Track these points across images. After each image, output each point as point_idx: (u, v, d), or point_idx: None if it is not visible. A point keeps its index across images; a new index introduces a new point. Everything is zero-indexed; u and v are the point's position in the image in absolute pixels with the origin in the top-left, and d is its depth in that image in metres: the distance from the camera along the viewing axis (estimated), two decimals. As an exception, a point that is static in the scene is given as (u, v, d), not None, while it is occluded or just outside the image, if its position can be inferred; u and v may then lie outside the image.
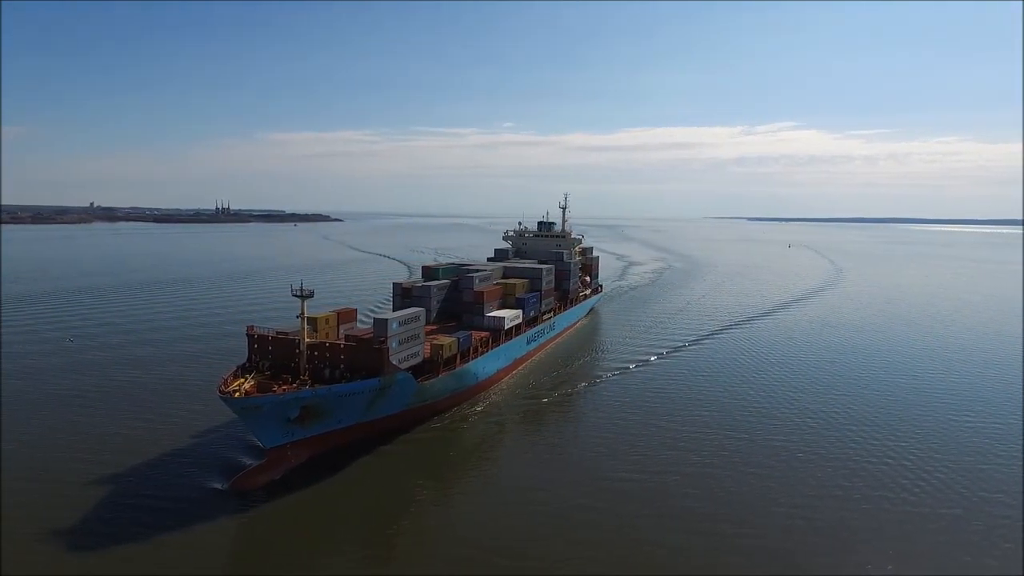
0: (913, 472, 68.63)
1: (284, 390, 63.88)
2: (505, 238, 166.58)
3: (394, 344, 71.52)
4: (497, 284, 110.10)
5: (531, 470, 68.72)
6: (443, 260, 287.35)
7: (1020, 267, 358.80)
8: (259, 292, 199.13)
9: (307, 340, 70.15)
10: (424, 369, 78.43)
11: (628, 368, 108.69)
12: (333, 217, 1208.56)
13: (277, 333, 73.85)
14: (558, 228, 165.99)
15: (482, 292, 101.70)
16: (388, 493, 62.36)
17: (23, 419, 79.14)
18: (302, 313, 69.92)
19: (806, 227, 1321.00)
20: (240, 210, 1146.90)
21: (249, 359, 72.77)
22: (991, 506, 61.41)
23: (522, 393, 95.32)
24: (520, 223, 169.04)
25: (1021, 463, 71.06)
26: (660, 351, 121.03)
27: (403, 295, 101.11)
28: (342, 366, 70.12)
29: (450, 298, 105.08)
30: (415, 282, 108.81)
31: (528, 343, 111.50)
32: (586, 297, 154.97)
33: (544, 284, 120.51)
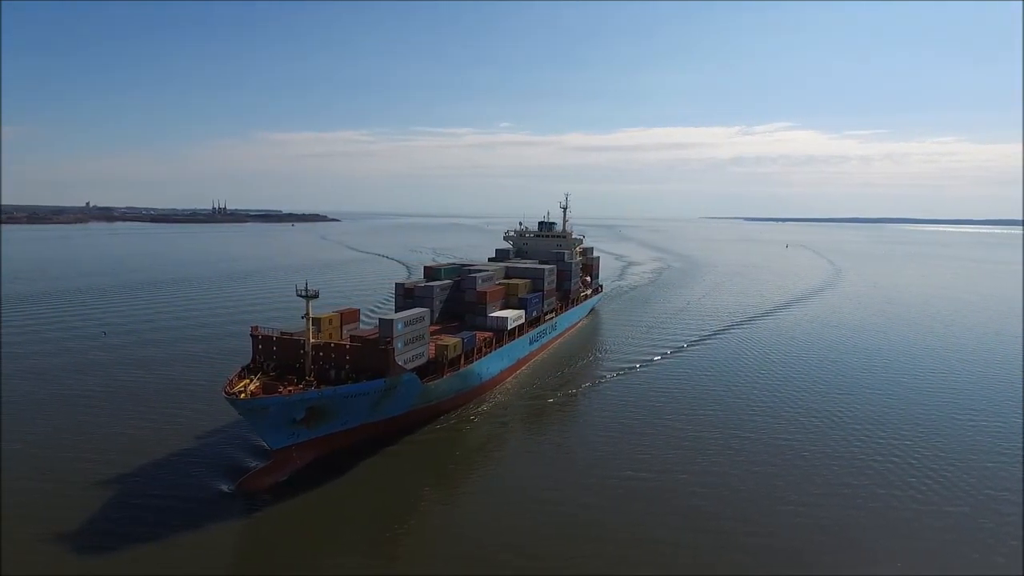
0: (919, 470, 68.93)
1: (290, 391, 63.69)
2: (506, 238, 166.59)
3: (399, 345, 71.42)
4: (500, 284, 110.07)
5: (536, 470, 68.72)
6: (442, 260, 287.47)
7: (1019, 267, 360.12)
8: (260, 292, 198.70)
9: (312, 341, 70.04)
10: (429, 370, 78.35)
11: (631, 368, 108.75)
12: (330, 217, 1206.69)
13: (281, 334, 73.66)
14: (559, 228, 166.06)
15: (485, 292, 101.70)
16: (394, 494, 62.30)
17: (28, 419, 78.99)
18: (307, 313, 69.75)
19: (803, 227, 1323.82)
20: (237, 210, 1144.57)
21: (253, 360, 72.56)
22: (998, 504, 61.70)
23: (526, 393, 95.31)
24: (521, 223, 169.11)
25: (1022, 462, 71.33)
26: (662, 351, 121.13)
27: (405, 295, 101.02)
28: (347, 367, 69.96)
29: (452, 298, 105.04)
30: (417, 282, 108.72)
31: (530, 343, 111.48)
32: (587, 297, 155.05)
33: (546, 284, 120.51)
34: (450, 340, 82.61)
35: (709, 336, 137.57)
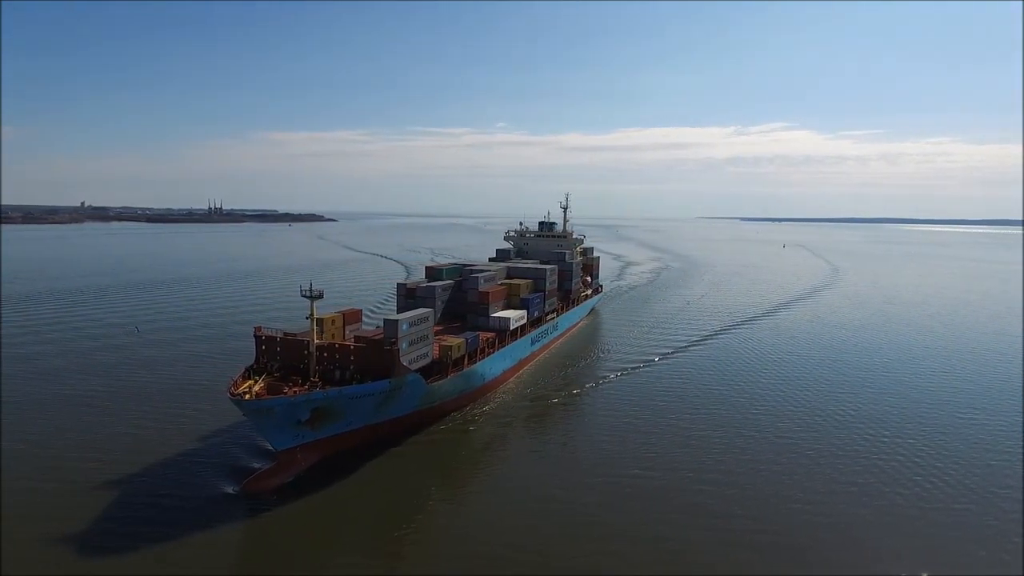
0: (923, 468, 69.18)
1: (295, 392, 63.33)
2: (506, 238, 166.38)
3: (404, 345, 71.10)
4: (502, 284, 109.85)
5: (541, 469, 68.62)
6: (440, 260, 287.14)
7: (1015, 267, 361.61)
8: (260, 292, 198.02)
9: (316, 341, 69.69)
10: (433, 370, 78.08)
11: (633, 368, 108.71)
12: (327, 217, 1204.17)
13: (285, 334, 73.27)
14: (559, 228, 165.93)
15: (487, 292, 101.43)
16: (399, 494, 62.02)
17: (31, 419, 78.67)
18: (311, 314, 69.41)
19: (799, 227, 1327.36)
20: (233, 210, 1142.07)
21: (257, 360, 72.18)
22: (1003, 501, 61.99)
23: (529, 394, 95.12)
24: (521, 223, 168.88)
25: (1022, 461, 71.54)
26: (664, 351, 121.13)
27: (407, 295, 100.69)
28: (352, 367, 69.66)
29: (454, 298, 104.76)
30: (419, 282, 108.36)
31: (532, 343, 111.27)
32: (587, 297, 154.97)
33: (548, 284, 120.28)
34: (454, 340, 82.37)
35: (710, 336, 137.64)
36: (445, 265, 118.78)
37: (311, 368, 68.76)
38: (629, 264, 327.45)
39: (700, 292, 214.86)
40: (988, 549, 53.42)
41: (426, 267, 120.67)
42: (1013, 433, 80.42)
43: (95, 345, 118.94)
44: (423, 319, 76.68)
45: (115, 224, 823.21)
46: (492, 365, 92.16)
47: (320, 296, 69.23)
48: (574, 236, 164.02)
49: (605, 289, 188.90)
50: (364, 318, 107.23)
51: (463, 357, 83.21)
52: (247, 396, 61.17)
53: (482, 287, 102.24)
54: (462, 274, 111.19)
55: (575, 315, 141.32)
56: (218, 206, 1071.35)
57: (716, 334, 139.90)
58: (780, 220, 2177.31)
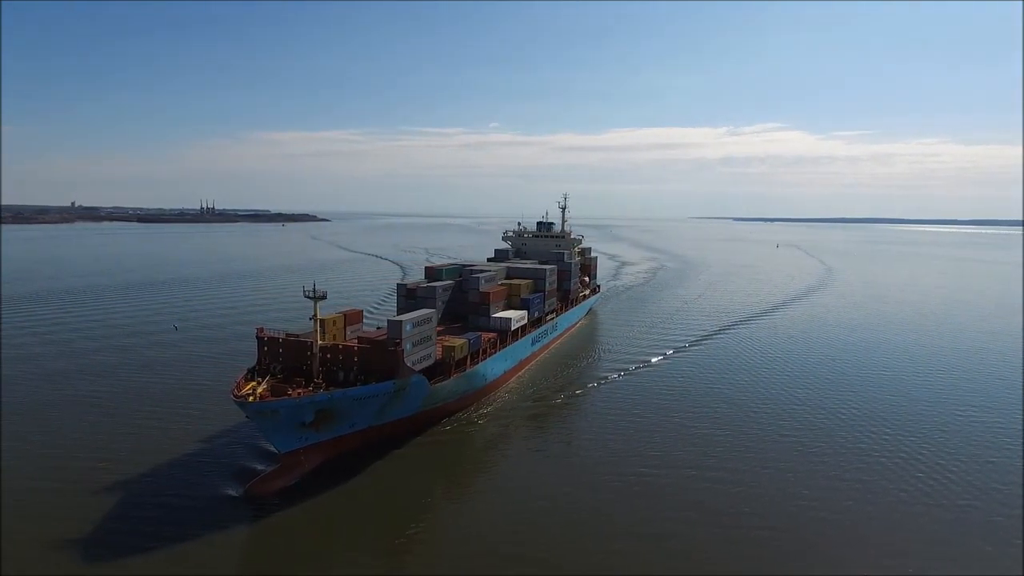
0: (926, 465, 69.83)
1: (299, 393, 62.76)
2: (504, 238, 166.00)
3: (408, 346, 70.67)
4: (502, 285, 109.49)
5: (543, 469, 68.49)
6: (436, 260, 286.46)
7: (1008, 266, 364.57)
8: (257, 293, 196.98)
9: (319, 342, 69.11)
10: (436, 371, 77.65)
11: (633, 368, 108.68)
12: (320, 217, 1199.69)
13: (288, 335, 72.68)
14: (557, 228, 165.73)
15: (488, 293, 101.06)
16: (403, 495, 61.74)
17: (35, 420, 78.27)
18: (315, 315, 68.89)
19: (792, 227, 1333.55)
20: (225, 210, 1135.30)
21: (259, 362, 71.56)
22: (1007, 497, 62.57)
23: (530, 394, 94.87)
24: (519, 223, 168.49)
25: (1022, 460, 71.96)
26: (663, 351, 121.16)
27: (407, 295, 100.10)
28: (355, 368, 69.14)
29: (455, 299, 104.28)
30: (419, 282, 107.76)
31: (532, 344, 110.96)
32: (585, 297, 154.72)
33: (547, 285, 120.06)
34: (457, 341, 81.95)
35: (709, 336, 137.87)
36: (445, 265, 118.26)
37: (314, 369, 68.20)
38: (625, 264, 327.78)
39: (697, 292, 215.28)
40: (994, 545, 53.87)
41: (426, 267, 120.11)
42: (1013, 430, 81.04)
43: (96, 346, 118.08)
44: (426, 320, 76.27)
45: (106, 224, 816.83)
46: (494, 366, 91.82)
47: (323, 297, 68.78)
48: (572, 236, 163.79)
49: (602, 289, 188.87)
50: (365, 319, 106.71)
51: (466, 358, 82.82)
52: (251, 398, 60.61)
53: (483, 287, 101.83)
54: (462, 274, 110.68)
55: (574, 315, 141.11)
56: (210, 206, 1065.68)
57: (715, 334, 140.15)
58: (772, 220, 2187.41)
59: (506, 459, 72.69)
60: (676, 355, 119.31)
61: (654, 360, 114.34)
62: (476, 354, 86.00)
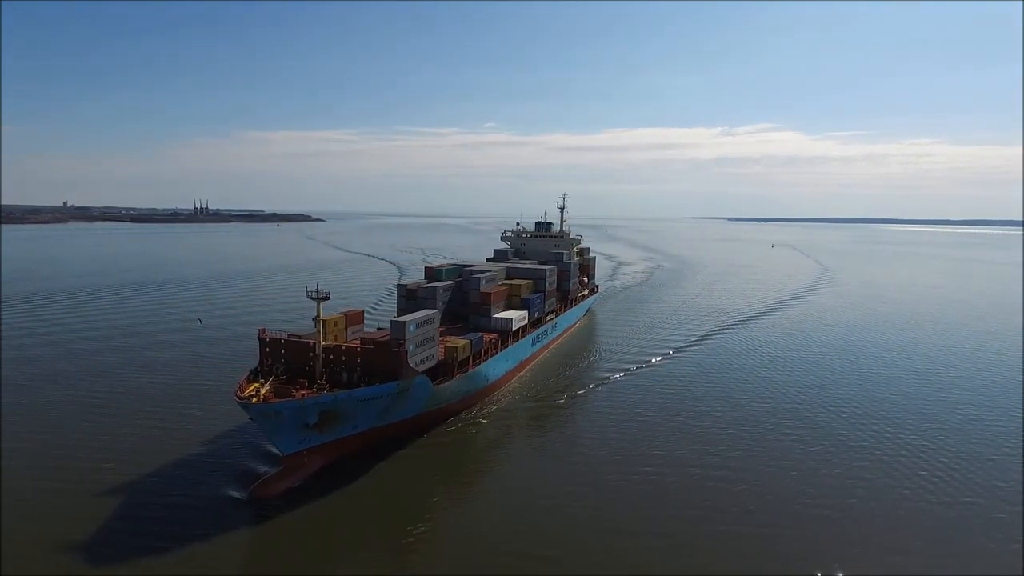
0: (928, 463, 70.45)
1: (303, 395, 62.34)
2: (503, 238, 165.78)
3: (411, 347, 70.36)
4: (503, 285, 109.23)
5: (546, 470, 68.47)
6: (432, 261, 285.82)
7: (1003, 266, 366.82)
8: (256, 293, 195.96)
9: (322, 343, 68.68)
10: (438, 372, 77.35)
11: (633, 368, 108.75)
12: (315, 217, 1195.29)
13: (290, 336, 72.23)
14: (556, 228, 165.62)
15: (489, 293, 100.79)
16: (406, 496, 61.62)
17: (37, 421, 77.88)
18: (318, 316, 68.49)
19: (786, 227, 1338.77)
20: (219, 209, 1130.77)
21: (261, 363, 71.12)
22: (1008, 494, 63.16)
23: (531, 394, 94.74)
24: (518, 223, 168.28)
25: (1022, 458, 72.37)
26: (663, 351, 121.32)
27: (408, 296, 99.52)
28: (359, 369, 68.76)
29: (455, 299, 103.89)
30: (419, 283, 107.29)
31: (533, 344, 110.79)
32: (584, 298, 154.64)
33: (547, 285, 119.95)
34: (459, 342, 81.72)
35: (708, 335, 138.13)
36: (444, 265, 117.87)
37: (317, 370, 67.77)
38: (621, 264, 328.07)
39: (694, 292, 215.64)
40: (997, 541, 54.33)
41: (425, 267, 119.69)
42: (1013, 429, 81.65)
43: (95, 347, 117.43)
44: (429, 320, 75.96)
45: (99, 224, 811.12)
46: (495, 366, 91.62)
47: (327, 298, 68.45)
48: (571, 236, 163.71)
49: (600, 289, 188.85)
50: (364, 319, 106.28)
51: (468, 358, 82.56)
52: (254, 399, 60.17)
53: (484, 287, 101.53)
54: (462, 275, 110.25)
55: (573, 315, 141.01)
56: (204, 206, 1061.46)
57: (714, 333, 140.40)
58: (766, 220, 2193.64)
59: (508, 459, 72.65)
60: (676, 355, 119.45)
61: (654, 360, 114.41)
62: (478, 355, 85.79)
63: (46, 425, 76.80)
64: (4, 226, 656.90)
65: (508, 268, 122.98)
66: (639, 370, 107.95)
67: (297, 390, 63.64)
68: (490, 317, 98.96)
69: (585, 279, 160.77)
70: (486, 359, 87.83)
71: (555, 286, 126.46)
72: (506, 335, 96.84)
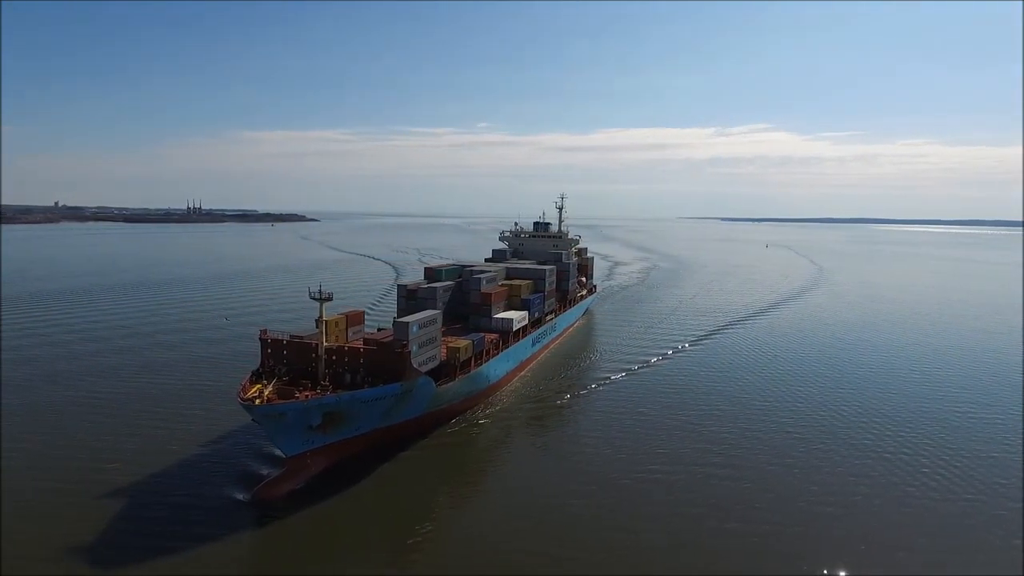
0: (930, 460, 70.86)
1: (307, 396, 61.95)
2: (502, 238, 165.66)
3: (415, 348, 70.09)
4: (503, 285, 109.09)
5: (547, 470, 68.37)
6: (429, 261, 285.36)
7: (998, 266, 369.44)
8: (255, 293, 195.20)
9: (325, 344, 68.27)
10: (440, 372, 77.08)
11: (633, 368, 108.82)
12: (309, 217, 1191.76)
13: (292, 337, 71.79)
14: (554, 228, 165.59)
15: (490, 294, 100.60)
16: (408, 499, 61.32)
17: (38, 422, 77.35)
18: (320, 316, 68.12)
19: (780, 227, 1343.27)
20: (213, 209, 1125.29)
21: (263, 364, 70.69)
22: (1009, 491, 63.80)
23: (532, 395, 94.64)
24: (516, 223, 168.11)
25: (1022, 456, 72.78)
26: (662, 350, 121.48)
27: (408, 296, 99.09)
28: (362, 370, 68.39)
29: (455, 299, 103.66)
30: (419, 283, 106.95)
31: (533, 344, 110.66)
32: (583, 298, 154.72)
33: (547, 285, 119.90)
34: (461, 342, 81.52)
35: (707, 335, 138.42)
36: (444, 266, 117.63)
37: (320, 371, 67.37)
38: (618, 264, 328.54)
39: (691, 292, 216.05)
40: (1000, 538, 54.83)
41: (425, 268, 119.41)
42: (1013, 427, 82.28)
43: (95, 347, 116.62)
44: (432, 321, 75.72)
45: (92, 224, 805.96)
46: (497, 367, 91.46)
47: (329, 299, 68.11)
48: (570, 236, 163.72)
49: (598, 290, 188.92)
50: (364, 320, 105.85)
51: (470, 359, 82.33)
52: (257, 400, 59.72)
53: (484, 288, 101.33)
54: (461, 275, 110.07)
55: (572, 315, 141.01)
56: (197, 206, 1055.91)
57: (713, 333, 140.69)
58: (760, 220, 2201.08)
59: (510, 459, 72.66)
60: (676, 355, 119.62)
61: (654, 360, 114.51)
62: (479, 355, 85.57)
63: (46, 425, 76.32)
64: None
65: (508, 268, 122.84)
66: (640, 370, 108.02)
67: (300, 391, 63.29)
68: (491, 317, 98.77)
69: (583, 279, 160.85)
70: (487, 360, 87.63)
71: (554, 286, 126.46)
72: (507, 335, 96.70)
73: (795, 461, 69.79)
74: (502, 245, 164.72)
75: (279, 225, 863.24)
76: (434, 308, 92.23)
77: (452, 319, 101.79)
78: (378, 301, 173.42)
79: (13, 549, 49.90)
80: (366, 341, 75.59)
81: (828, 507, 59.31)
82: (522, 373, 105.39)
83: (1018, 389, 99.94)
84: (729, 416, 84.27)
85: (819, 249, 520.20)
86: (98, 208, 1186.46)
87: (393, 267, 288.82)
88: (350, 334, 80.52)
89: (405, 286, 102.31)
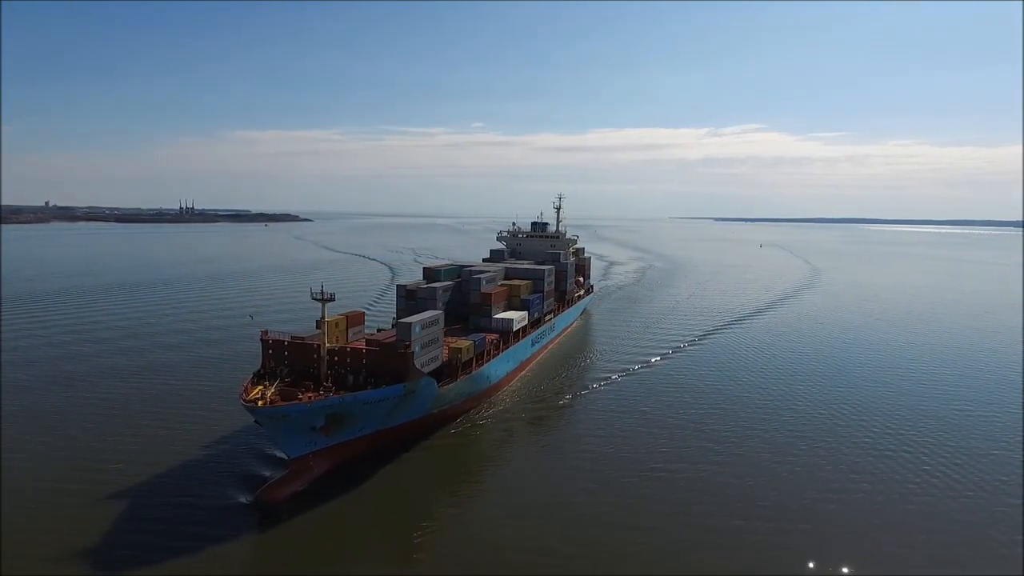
0: (931, 458, 71.44)
1: (310, 398, 61.49)
2: (499, 238, 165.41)
3: (417, 348, 69.76)
4: (503, 285, 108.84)
5: (550, 470, 68.25)
6: (424, 261, 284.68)
7: (992, 266, 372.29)
8: (253, 293, 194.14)
9: (327, 345, 67.82)
10: (443, 373, 76.75)
11: (632, 368, 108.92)
12: (302, 217, 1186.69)
13: (293, 338, 71.28)
14: (552, 229, 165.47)
15: (490, 294, 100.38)
16: (410, 500, 61.14)
17: (37, 423, 76.76)
18: (322, 317, 67.71)
19: (772, 227, 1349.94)
20: (205, 209, 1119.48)
21: (264, 365, 70.17)
22: (1011, 487, 64.38)
23: (533, 396, 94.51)
24: (514, 223, 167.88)
25: (1022, 453, 73.25)
26: (661, 351, 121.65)
27: (407, 296, 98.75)
28: (364, 371, 67.97)
29: (455, 299, 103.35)
30: (419, 283, 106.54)
31: (532, 345, 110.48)
32: (580, 298, 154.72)
33: (546, 285, 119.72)
34: (463, 343, 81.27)
35: (705, 335, 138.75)
36: (443, 266, 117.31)
37: (322, 372, 66.90)
38: (613, 264, 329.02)
39: (687, 292, 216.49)
40: (1003, 532, 55.40)
41: (423, 268, 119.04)
42: (1013, 424, 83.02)
43: (94, 348, 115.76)
44: (434, 321, 75.40)
45: (83, 224, 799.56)
46: (498, 367, 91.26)
47: (332, 299, 67.67)
48: (567, 236, 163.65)
49: (594, 290, 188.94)
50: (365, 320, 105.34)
51: (471, 359, 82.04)
52: (260, 402, 59.21)
53: (484, 288, 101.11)
54: (461, 275, 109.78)
55: (570, 315, 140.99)
56: (190, 206, 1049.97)
57: (711, 333, 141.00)
58: (752, 220, 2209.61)
59: (512, 460, 72.56)
60: (675, 354, 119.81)
61: (653, 360, 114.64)
62: (481, 355, 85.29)
63: (47, 426, 75.76)
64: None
65: (507, 268, 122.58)
66: (639, 370, 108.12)
67: (303, 393, 62.80)
68: (491, 318, 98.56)
69: (581, 279, 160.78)
70: (488, 360, 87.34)
71: (553, 286, 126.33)
72: (507, 336, 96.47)
73: (797, 459, 70.14)
74: (497, 245, 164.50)
75: (272, 225, 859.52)
76: (434, 308, 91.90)
77: (452, 319, 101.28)
78: (375, 301, 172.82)
79: (13, 549, 49.60)
80: (368, 342, 75.15)
81: (831, 504, 59.68)
82: (522, 373, 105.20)
83: (1018, 388, 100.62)
84: (730, 415, 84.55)
85: (813, 249, 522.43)
86: (89, 208, 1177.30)
87: (389, 267, 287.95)
88: (350, 335, 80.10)
89: (404, 286, 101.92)
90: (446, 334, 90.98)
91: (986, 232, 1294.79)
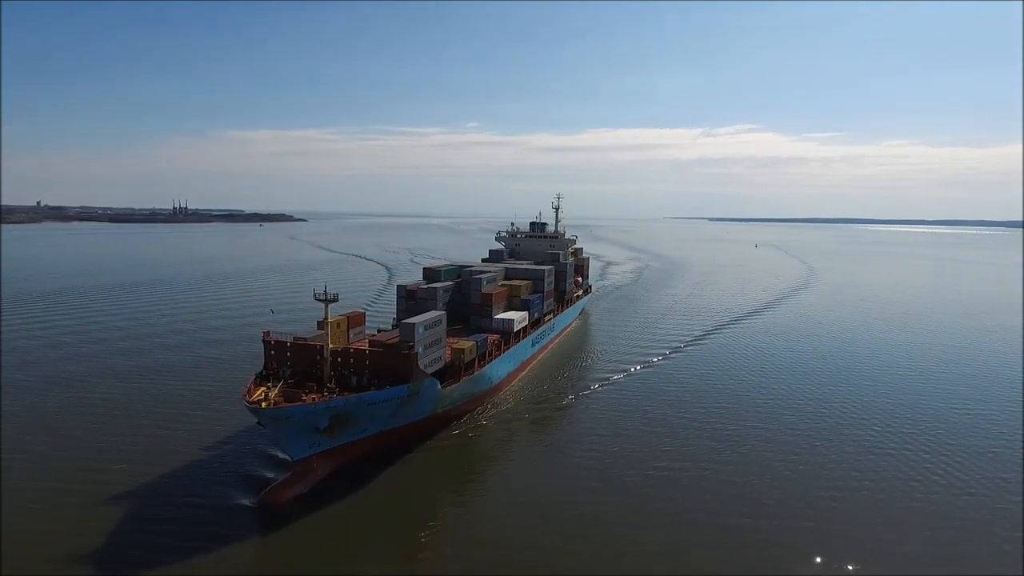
0: (932, 456, 72.06)
1: (313, 399, 61.35)
2: (498, 238, 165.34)
3: (420, 349, 69.67)
4: (503, 286, 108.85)
5: (551, 470, 68.40)
6: (420, 261, 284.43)
7: (987, 266, 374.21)
8: (252, 294, 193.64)
9: (330, 346, 67.68)
10: (445, 374, 76.71)
11: (631, 368, 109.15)
12: (297, 217, 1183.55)
13: (295, 339, 71.10)
14: (551, 229, 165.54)
15: (490, 294, 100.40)
16: (412, 502, 61.15)
17: (38, 424, 76.47)
18: (325, 318, 67.58)
19: (767, 227, 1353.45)
20: (199, 209, 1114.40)
21: (266, 366, 70.00)
22: (1012, 485, 64.95)
23: (534, 396, 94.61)
24: (513, 223, 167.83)
25: (1022, 451, 73.75)
26: (660, 351, 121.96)
27: (408, 297, 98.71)
28: (367, 372, 67.86)
29: (455, 300, 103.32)
30: (419, 284, 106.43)
31: (532, 345, 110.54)
32: (579, 298, 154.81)
33: (546, 285, 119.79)
34: (465, 343, 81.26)
35: (704, 335, 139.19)
36: (443, 266, 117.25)
37: (326, 373, 66.74)
38: (610, 264, 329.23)
39: (685, 292, 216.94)
40: (1008, 530, 55.82)
41: (424, 268, 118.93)
42: (1013, 423, 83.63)
43: (94, 349, 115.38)
44: (437, 322, 75.34)
45: (76, 224, 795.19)
46: (499, 367, 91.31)
47: (335, 300, 67.50)
48: (566, 236, 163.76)
49: (593, 290, 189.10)
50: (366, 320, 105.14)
51: (474, 360, 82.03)
52: (264, 404, 59.06)
53: (485, 288, 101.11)
54: (461, 275, 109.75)
55: (569, 316, 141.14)
56: (184, 206, 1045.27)
57: (710, 333, 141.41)
58: (747, 220, 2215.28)
59: (514, 460, 72.68)
60: (674, 354, 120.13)
61: (654, 360, 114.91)
62: (483, 356, 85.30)
63: (47, 426, 75.50)
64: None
65: (507, 268, 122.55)
66: (640, 369, 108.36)
67: (307, 394, 62.66)
68: (491, 318, 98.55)
69: (580, 279, 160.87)
70: (490, 360, 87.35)
71: (553, 286, 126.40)
72: (508, 336, 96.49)
73: (800, 457, 70.50)
74: (495, 245, 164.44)
75: (267, 225, 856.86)
76: (435, 308, 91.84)
77: (452, 320, 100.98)
78: (372, 301, 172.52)
79: (13, 549, 49.45)
80: (371, 343, 74.96)
81: (834, 502, 60.02)
82: (523, 374, 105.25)
83: (1018, 387, 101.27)
84: (732, 414, 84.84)
85: (808, 249, 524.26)
86: (81, 208, 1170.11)
87: (385, 267, 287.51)
88: (351, 335, 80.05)
89: (405, 286, 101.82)
90: (448, 335, 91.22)
91: (979, 232, 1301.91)
